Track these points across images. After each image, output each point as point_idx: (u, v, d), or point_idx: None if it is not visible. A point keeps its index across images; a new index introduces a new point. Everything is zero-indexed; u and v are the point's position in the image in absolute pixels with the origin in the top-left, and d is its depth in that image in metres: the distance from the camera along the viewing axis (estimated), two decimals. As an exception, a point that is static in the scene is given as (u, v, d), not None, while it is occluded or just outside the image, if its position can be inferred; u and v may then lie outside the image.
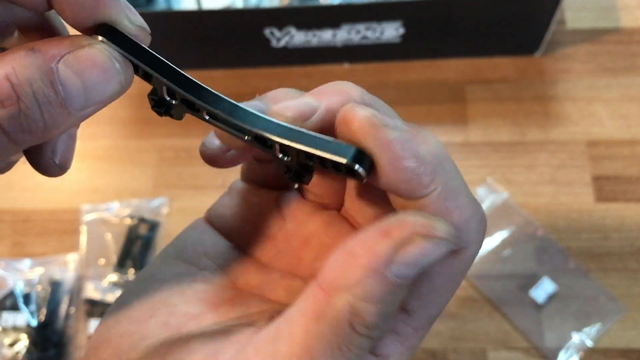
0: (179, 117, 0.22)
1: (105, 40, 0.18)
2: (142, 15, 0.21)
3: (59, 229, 0.60)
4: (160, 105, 0.21)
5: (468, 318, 0.53)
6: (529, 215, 0.56)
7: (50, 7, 0.18)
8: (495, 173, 0.58)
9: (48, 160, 0.21)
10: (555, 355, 0.50)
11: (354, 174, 0.19)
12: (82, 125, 0.24)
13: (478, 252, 0.20)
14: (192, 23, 0.60)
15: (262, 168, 0.25)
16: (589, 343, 0.51)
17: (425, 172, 0.18)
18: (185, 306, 0.23)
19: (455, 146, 0.60)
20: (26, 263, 0.58)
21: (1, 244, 0.60)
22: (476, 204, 0.19)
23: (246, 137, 0.20)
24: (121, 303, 0.23)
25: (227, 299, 0.23)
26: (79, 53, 0.17)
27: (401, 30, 0.60)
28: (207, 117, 0.21)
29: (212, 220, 0.26)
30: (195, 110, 0.21)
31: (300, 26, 0.59)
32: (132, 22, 0.19)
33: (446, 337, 0.52)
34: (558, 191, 0.57)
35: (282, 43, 0.61)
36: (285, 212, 0.25)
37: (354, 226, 0.24)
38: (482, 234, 0.20)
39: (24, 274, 0.57)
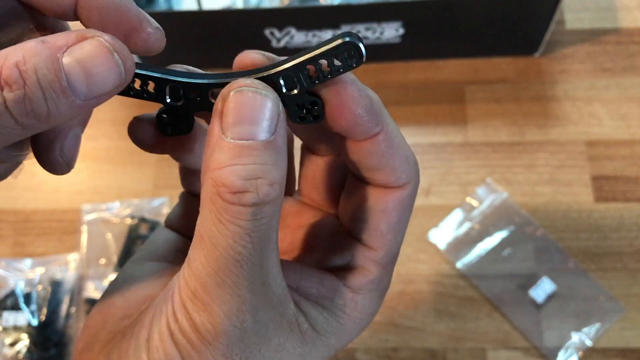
0: (189, 127, 0.23)
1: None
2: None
3: (60, 229, 0.60)
4: (170, 120, 0.22)
5: (467, 318, 0.53)
6: (528, 215, 0.56)
7: (76, 18, 0.20)
8: (495, 173, 0.58)
9: (56, 157, 0.22)
10: (555, 355, 0.50)
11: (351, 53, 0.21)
12: (84, 126, 0.24)
13: (418, 186, 0.23)
14: (192, 23, 0.61)
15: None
16: (588, 343, 0.51)
17: (375, 113, 0.21)
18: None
19: (455, 146, 0.60)
20: (27, 263, 0.58)
21: (2, 244, 0.60)
22: (407, 144, 0.23)
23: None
24: (106, 299, 0.24)
25: None
26: (82, 44, 0.18)
27: (401, 31, 0.60)
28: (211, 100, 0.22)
29: (171, 224, 0.28)
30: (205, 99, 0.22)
31: (300, 26, 0.59)
32: (152, 25, 0.21)
33: (446, 336, 0.52)
34: (557, 191, 0.57)
35: (282, 43, 0.62)
36: None
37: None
38: (418, 170, 0.23)
39: (24, 274, 0.57)
